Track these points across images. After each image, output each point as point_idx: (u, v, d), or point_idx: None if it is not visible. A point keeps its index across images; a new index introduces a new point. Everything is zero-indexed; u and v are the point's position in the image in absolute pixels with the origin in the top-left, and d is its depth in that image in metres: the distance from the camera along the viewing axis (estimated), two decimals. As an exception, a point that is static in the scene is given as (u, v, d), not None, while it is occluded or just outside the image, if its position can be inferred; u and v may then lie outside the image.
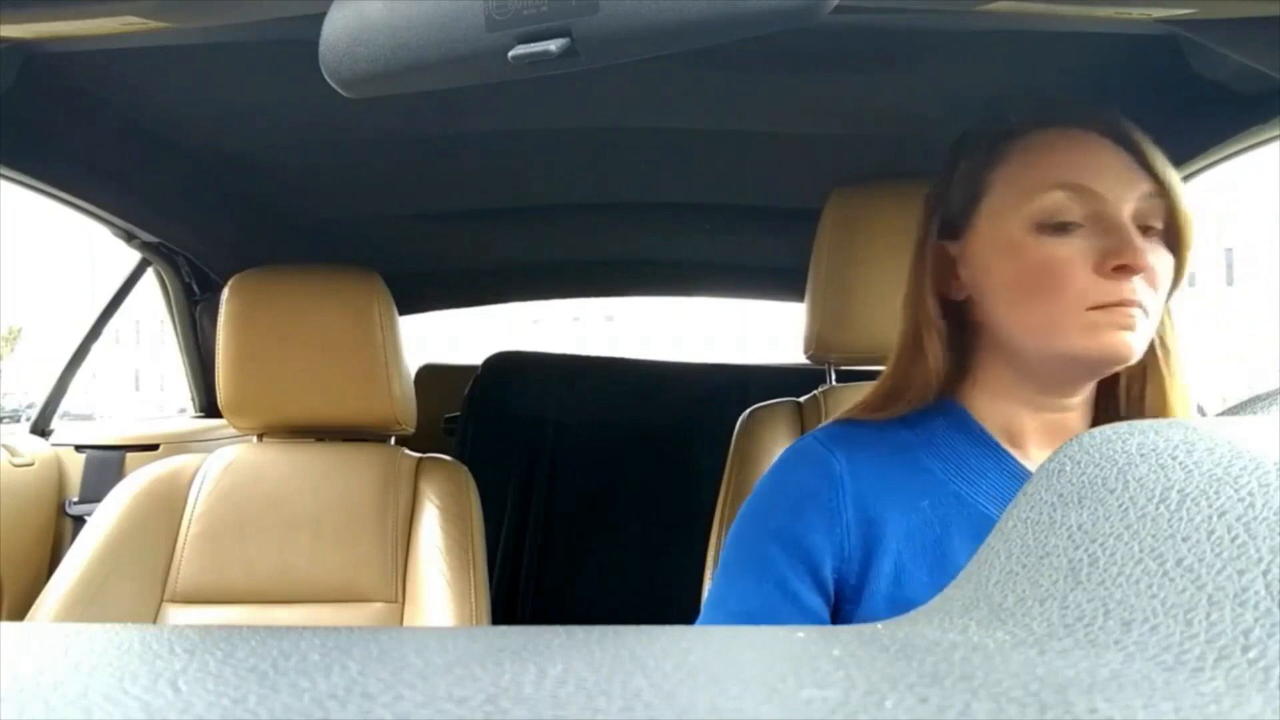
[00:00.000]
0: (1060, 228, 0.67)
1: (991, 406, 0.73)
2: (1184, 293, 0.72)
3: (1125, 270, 0.64)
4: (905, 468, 0.71)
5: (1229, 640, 0.20)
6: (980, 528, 0.67)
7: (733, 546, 0.73)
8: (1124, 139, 0.67)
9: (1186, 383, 0.71)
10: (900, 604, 0.65)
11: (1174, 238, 0.67)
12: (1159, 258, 0.66)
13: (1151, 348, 0.69)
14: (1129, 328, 0.65)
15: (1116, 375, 0.70)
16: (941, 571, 0.66)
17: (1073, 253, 0.66)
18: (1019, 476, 0.70)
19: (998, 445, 0.72)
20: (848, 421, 0.76)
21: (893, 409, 0.74)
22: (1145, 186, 0.66)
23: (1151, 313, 0.66)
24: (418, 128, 1.27)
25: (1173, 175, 0.67)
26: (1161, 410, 0.70)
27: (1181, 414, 0.70)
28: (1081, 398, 0.72)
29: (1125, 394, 0.72)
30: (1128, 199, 0.66)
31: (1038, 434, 0.72)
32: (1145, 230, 0.66)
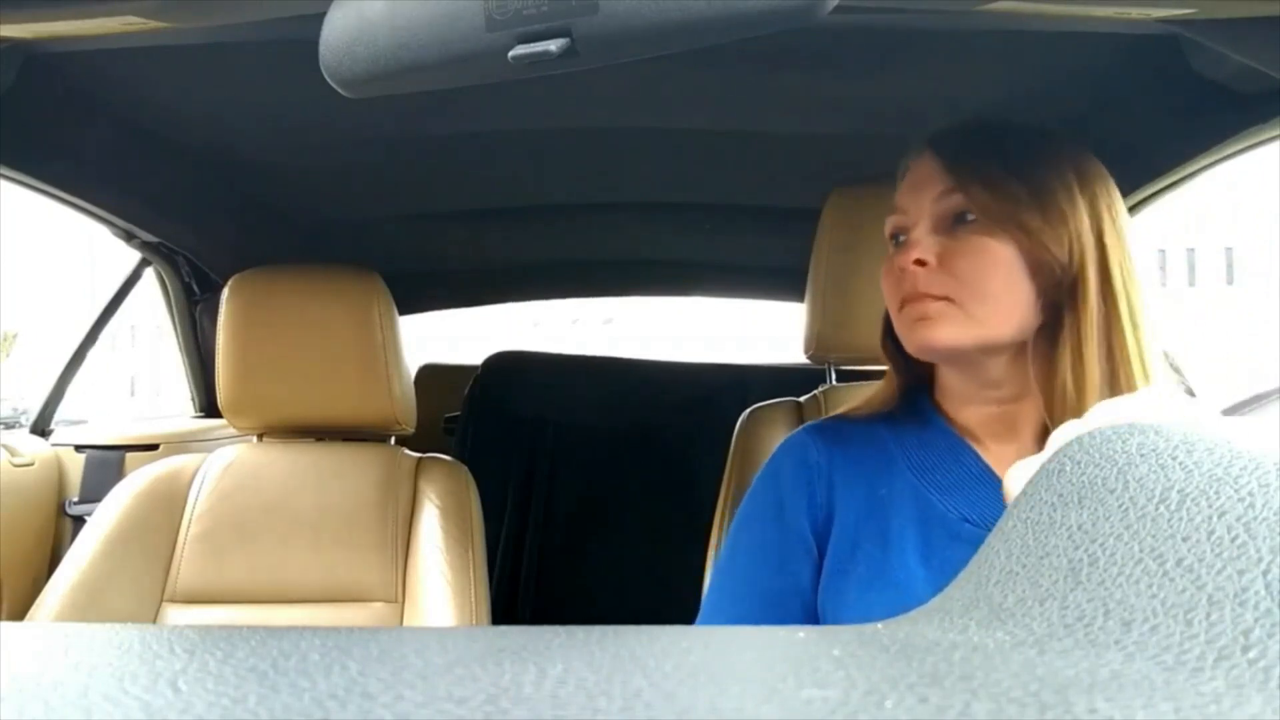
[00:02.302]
0: (892, 246, 0.78)
1: (950, 405, 0.80)
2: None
3: (903, 270, 0.73)
4: (874, 459, 0.79)
5: (1229, 640, 0.20)
6: (924, 514, 0.74)
7: (735, 527, 0.84)
8: (939, 151, 0.75)
9: (1112, 354, 0.70)
10: (852, 576, 0.75)
11: (996, 222, 0.71)
12: (965, 245, 0.71)
13: (1062, 327, 0.71)
14: (924, 317, 0.72)
15: (1044, 361, 0.72)
16: (887, 550, 0.74)
17: (890, 264, 0.76)
18: (973, 469, 0.76)
19: (956, 439, 0.77)
20: (837, 418, 0.85)
21: (867, 411, 0.83)
22: (940, 187, 0.73)
23: (967, 300, 0.71)
24: (418, 128, 1.27)
25: (975, 168, 0.72)
26: (1079, 389, 0.70)
27: (1094, 388, 0.69)
28: (1008, 391, 0.74)
29: (1053, 378, 0.72)
30: (924, 204, 0.74)
31: (988, 427, 0.77)
32: (960, 223, 0.72)
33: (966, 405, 0.78)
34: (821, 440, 0.81)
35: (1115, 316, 0.70)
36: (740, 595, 0.80)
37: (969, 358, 0.74)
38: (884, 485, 0.77)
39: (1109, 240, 0.71)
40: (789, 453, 0.82)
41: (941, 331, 0.71)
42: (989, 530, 0.73)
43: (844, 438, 0.81)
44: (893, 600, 0.72)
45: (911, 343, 0.73)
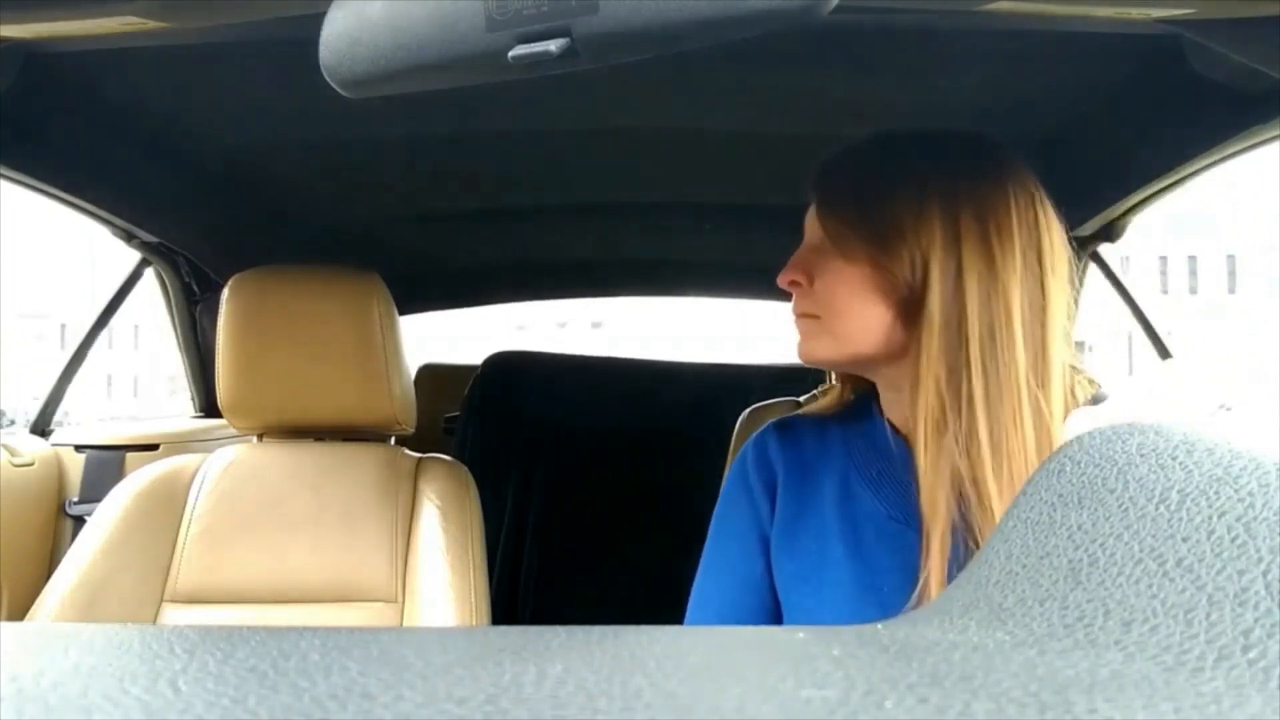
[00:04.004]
0: None
1: (885, 405, 0.82)
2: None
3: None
4: (821, 457, 0.82)
5: (1229, 640, 0.20)
6: (856, 510, 0.77)
7: (714, 519, 0.87)
8: (816, 180, 0.79)
9: (947, 372, 0.71)
10: (788, 570, 0.78)
11: (841, 246, 0.75)
12: (824, 269, 0.76)
13: (914, 342, 0.72)
14: (802, 333, 0.79)
15: (911, 371, 0.73)
16: (821, 545, 0.77)
17: None
18: (903, 466, 0.77)
19: (891, 438, 0.79)
20: (798, 416, 0.88)
21: (825, 410, 0.87)
22: (813, 213, 0.79)
23: (827, 316, 0.76)
24: (417, 128, 1.27)
25: (830, 196, 0.77)
26: (913, 402, 0.72)
27: (928, 399, 0.71)
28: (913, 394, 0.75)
29: (907, 391, 0.76)
30: (808, 229, 0.81)
31: (911, 426, 0.79)
32: (825, 249, 0.76)
33: (891, 406, 0.81)
34: (778, 437, 0.85)
35: (965, 336, 0.70)
36: (722, 582, 0.83)
37: (851, 367, 0.80)
38: (825, 482, 0.80)
39: (968, 258, 0.70)
40: (754, 449, 0.86)
41: (809, 346, 0.78)
42: (912, 526, 0.76)
43: (800, 436, 0.84)
44: (824, 594, 0.75)
45: (797, 354, 0.80)
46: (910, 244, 0.71)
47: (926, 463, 0.70)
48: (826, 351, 0.77)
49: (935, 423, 0.70)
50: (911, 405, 0.72)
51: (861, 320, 0.74)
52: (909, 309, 0.72)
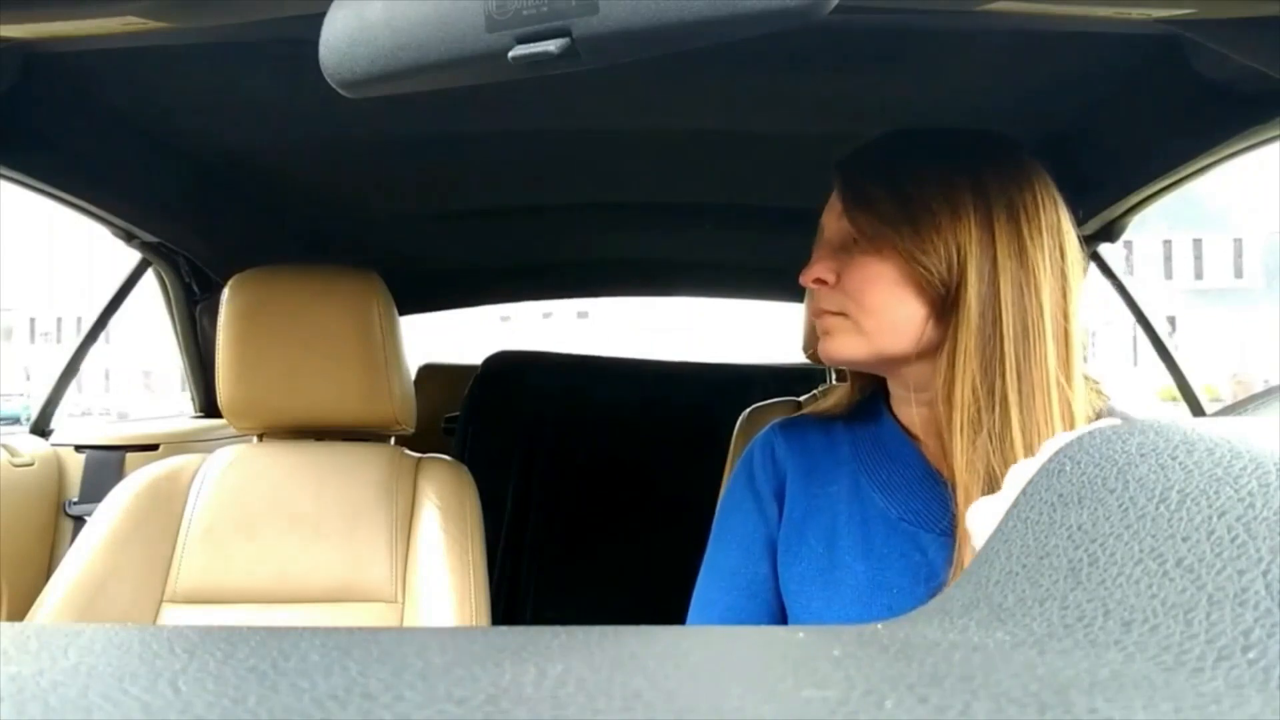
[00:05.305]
0: None
1: (896, 406, 0.82)
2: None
3: (811, 287, 0.78)
4: (829, 457, 0.82)
5: (1229, 640, 0.20)
6: (866, 511, 0.78)
7: (717, 519, 0.87)
8: (839, 176, 0.78)
9: (983, 370, 0.70)
10: (795, 570, 0.78)
11: (873, 242, 0.74)
12: (852, 266, 0.75)
13: (948, 339, 0.71)
14: (825, 331, 0.77)
15: (945, 369, 0.72)
16: (830, 547, 0.77)
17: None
18: (915, 468, 0.77)
19: (902, 439, 0.79)
20: (803, 417, 0.88)
21: (831, 411, 0.85)
22: (837, 209, 0.77)
23: (857, 314, 0.74)
24: (417, 128, 1.27)
25: (858, 192, 0.75)
26: (948, 402, 0.71)
27: (964, 396, 0.70)
28: (933, 393, 0.74)
29: (939, 388, 0.74)
30: (829, 226, 0.79)
31: (926, 427, 0.79)
32: (854, 243, 0.75)
33: (904, 406, 0.80)
34: (785, 438, 0.85)
35: (999, 333, 0.69)
36: (725, 585, 0.82)
37: (876, 366, 0.78)
38: (834, 482, 0.80)
39: (1002, 254, 0.70)
40: (760, 450, 0.86)
41: (837, 344, 0.76)
42: (923, 528, 0.75)
43: (806, 436, 0.84)
44: (833, 596, 0.74)
45: (819, 353, 0.79)
46: (946, 238, 0.70)
47: (961, 461, 0.69)
48: (854, 350, 0.75)
49: (971, 421, 0.69)
50: (945, 404, 0.71)
51: (894, 317, 0.73)
52: (943, 305, 0.71)
